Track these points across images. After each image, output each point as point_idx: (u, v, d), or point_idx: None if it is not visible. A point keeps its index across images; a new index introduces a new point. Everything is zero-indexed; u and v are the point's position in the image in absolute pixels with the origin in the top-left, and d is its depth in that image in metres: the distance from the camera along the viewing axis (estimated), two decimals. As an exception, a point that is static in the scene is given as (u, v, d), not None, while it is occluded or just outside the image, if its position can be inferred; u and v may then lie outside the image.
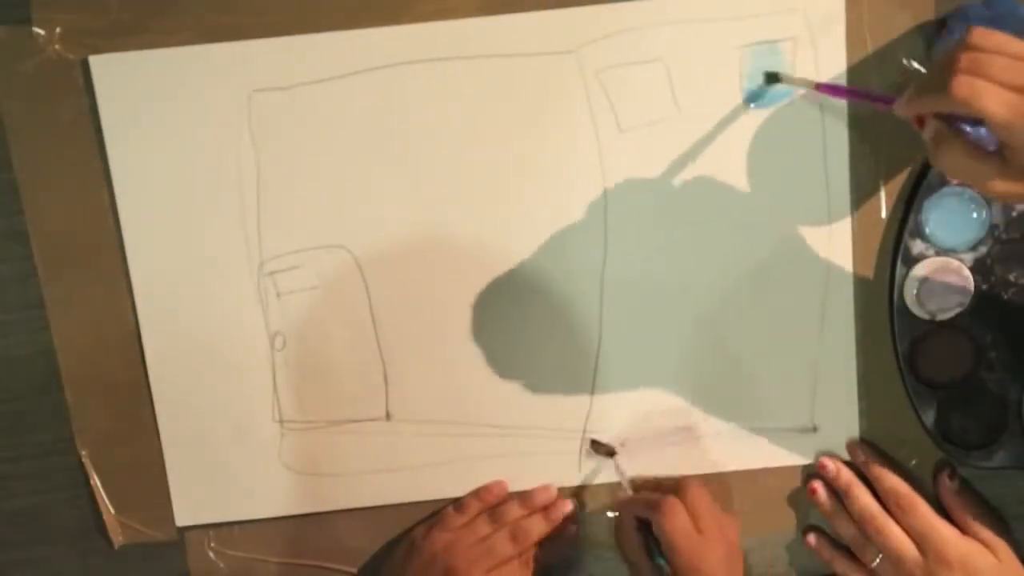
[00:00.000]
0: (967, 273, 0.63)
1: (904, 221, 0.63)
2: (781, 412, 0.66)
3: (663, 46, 0.61)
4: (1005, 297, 0.64)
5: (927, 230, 0.63)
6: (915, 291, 0.64)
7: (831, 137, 0.63)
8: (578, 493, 0.67)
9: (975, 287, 0.63)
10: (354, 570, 0.68)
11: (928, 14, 0.61)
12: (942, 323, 0.64)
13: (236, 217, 0.63)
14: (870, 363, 0.65)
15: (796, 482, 0.67)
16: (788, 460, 0.67)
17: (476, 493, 0.66)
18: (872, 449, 0.66)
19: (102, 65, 0.61)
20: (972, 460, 0.65)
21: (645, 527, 0.63)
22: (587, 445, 0.66)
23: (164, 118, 0.62)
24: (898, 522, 0.63)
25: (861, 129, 0.63)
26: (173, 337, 0.65)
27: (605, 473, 0.67)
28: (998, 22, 0.55)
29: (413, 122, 0.62)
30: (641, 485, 0.66)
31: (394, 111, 0.62)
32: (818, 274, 0.64)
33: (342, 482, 0.67)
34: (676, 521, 0.60)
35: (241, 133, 0.62)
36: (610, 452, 0.65)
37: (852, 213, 0.64)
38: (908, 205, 0.63)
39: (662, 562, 0.61)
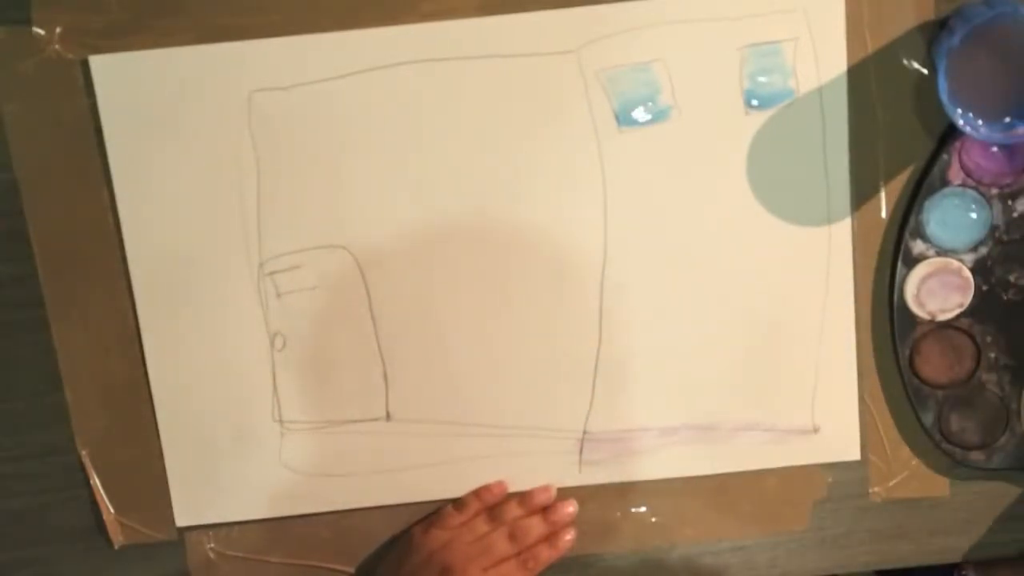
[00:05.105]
0: (967, 273, 0.63)
1: (904, 221, 0.63)
2: (781, 412, 0.66)
3: (663, 46, 0.61)
4: (1005, 297, 0.64)
5: (927, 230, 0.63)
6: (915, 291, 0.64)
7: (831, 137, 0.62)
8: (578, 494, 0.67)
9: (975, 287, 0.63)
10: (353, 571, 0.68)
11: (928, 14, 0.61)
12: (942, 323, 0.64)
13: (236, 217, 0.63)
14: (870, 363, 0.65)
15: (796, 482, 0.67)
16: (788, 460, 0.67)
17: (476, 492, 0.66)
18: None
19: (102, 65, 0.61)
20: (971, 460, 0.65)
21: None
22: (586, 444, 0.66)
23: (164, 118, 0.62)
24: None
25: (861, 129, 0.62)
26: (173, 337, 0.65)
27: (605, 474, 0.67)
28: (998, 22, 0.55)
29: (413, 122, 0.62)
30: None
31: (394, 111, 0.62)
32: (818, 274, 0.64)
33: (342, 482, 0.67)
34: None
35: (241, 133, 0.62)
36: None
37: (852, 213, 0.63)
38: (908, 205, 0.63)
39: None
